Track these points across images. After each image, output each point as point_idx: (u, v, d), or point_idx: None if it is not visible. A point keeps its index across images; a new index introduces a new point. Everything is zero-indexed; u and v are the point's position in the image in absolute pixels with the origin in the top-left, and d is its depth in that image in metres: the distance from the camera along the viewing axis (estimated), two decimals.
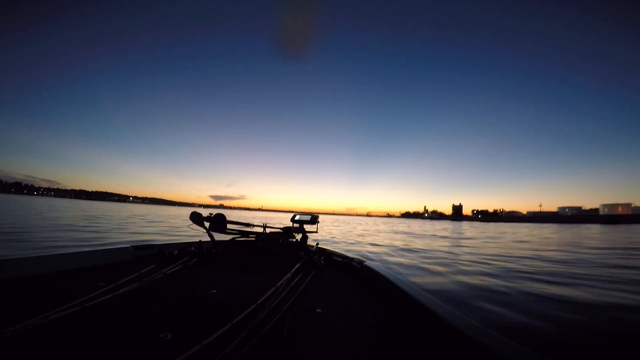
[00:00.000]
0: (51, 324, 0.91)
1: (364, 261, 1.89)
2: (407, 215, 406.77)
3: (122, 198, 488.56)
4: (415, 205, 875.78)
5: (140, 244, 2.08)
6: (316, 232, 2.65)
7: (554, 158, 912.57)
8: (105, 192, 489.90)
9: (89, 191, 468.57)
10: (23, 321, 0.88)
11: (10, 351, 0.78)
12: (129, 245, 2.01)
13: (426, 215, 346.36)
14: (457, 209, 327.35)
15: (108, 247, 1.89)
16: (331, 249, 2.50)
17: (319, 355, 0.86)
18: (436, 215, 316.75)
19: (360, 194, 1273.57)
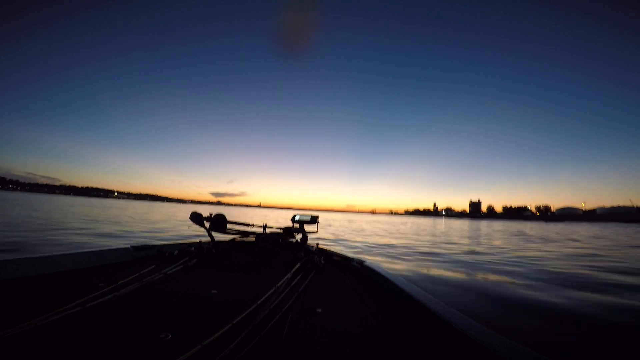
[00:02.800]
0: (52, 325, 0.92)
1: (364, 261, 1.91)
2: (416, 212, 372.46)
3: (105, 193, 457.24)
4: (423, 202, 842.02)
5: (140, 244, 2.12)
6: (316, 232, 2.70)
7: (574, 153, 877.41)
8: (97, 188, 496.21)
9: (78, 187, 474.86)
10: (24, 321, 0.88)
11: (11, 351, 0.78)
12: (129, 246, 2.05)
13: (443, 213, 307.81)
14: (475, 206, 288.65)
15: (108, 248, 1.93)
16: (331, 249, 2.53)
17: (319, 356, 0.87)
18: (454, 213, 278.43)
19: (361, 190, 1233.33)
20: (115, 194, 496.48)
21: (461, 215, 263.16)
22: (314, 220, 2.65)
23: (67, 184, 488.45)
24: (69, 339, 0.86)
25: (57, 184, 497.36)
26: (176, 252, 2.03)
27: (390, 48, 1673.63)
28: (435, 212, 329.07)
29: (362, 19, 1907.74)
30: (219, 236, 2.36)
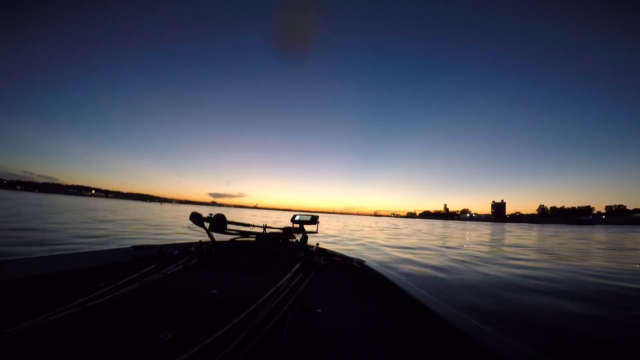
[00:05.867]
0: (52, 324, 0.92)
1: (364, 261, 1.94)
2: (426, 215, 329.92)
3: (78, 190, 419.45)
4: (429, 204, 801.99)
5: (140, 244, 2.15)
6: (316, 232, 2.75)
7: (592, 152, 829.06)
8: (77, 186, 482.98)
9: (64, 184, 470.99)
10: (24, 321, 0.89)
11: (11, 351, 0.78)
12: (129, 246, 2.07)
13: (468, 215, 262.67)
14: (499, 208, 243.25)
15: (108, 248, 1.95)
16: (331, 249, 2.57)
17: (319, 356, 0.87)
18: (480, 217, 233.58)
19: (360, 192, 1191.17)
20: (92, 191, 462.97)
21: (487, 218, 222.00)
22: (314, 220, 2.68)
23: (66, 184, 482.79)
24: (69, 339, 0.87)
25: (54, 183, 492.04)
26: (176, 252, 2.06)
27: (393, 47, 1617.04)
28: (447, 214, 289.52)
29: (362, 20, 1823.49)
30: (219, 236, 2.38)
